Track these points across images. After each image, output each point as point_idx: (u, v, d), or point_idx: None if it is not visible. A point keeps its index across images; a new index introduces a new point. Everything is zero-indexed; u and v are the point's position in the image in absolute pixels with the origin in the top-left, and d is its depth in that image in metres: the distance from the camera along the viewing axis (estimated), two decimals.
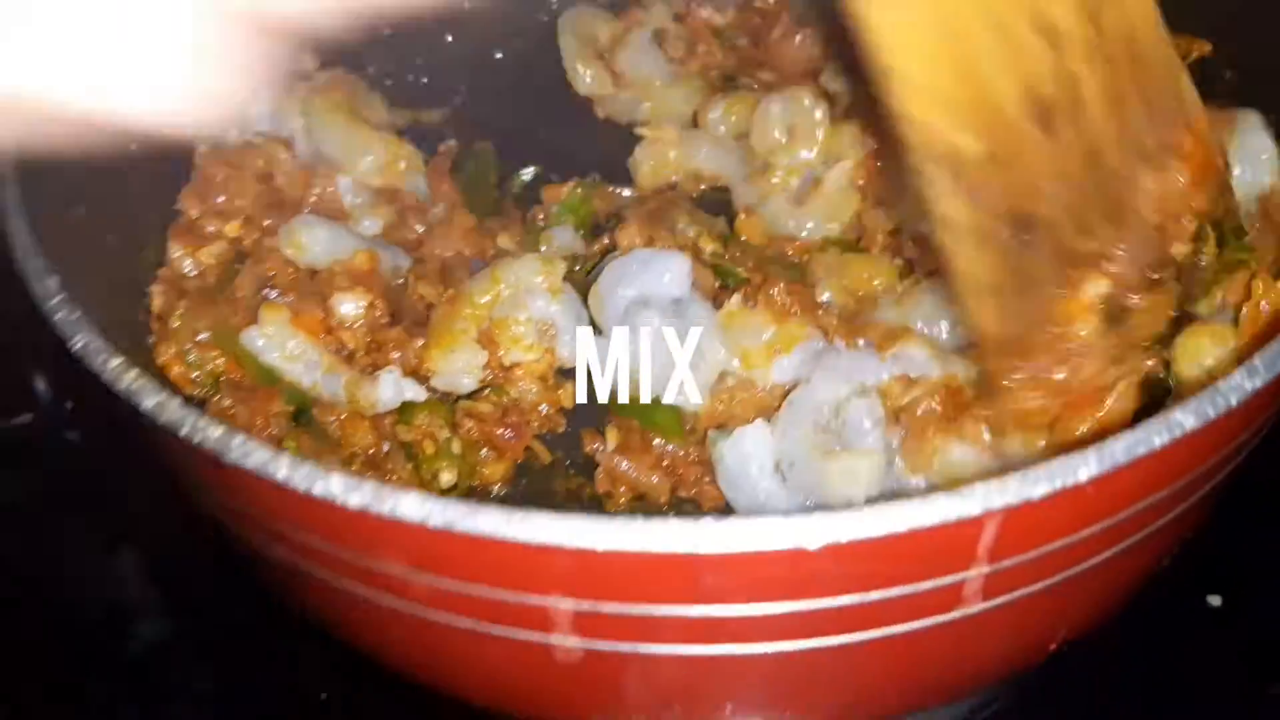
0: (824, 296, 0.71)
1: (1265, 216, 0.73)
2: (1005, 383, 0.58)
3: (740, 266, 0.73)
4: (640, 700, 0.52)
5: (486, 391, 0.71)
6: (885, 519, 0.41)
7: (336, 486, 0.43)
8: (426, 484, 0.67)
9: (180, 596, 0.81)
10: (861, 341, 0.67)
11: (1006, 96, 0.54)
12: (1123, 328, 0.61)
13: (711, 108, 0.84)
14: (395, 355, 0.70)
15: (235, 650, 0.77)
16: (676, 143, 0.83)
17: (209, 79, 0.35)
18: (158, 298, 0.72)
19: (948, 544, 0.43)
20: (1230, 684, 0.71)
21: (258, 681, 0.75)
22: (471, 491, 0.68)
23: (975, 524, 0.42)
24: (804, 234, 0.77)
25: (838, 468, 0.62)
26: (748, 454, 0.64)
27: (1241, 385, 0.43)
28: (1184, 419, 0.43)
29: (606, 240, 0.77)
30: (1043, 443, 0.60)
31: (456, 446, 0.68)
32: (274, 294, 0.72)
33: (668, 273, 0.70)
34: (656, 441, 0.67)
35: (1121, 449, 0.42)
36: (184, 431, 0.46)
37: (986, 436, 0.61)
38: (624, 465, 0.67)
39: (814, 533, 0.41)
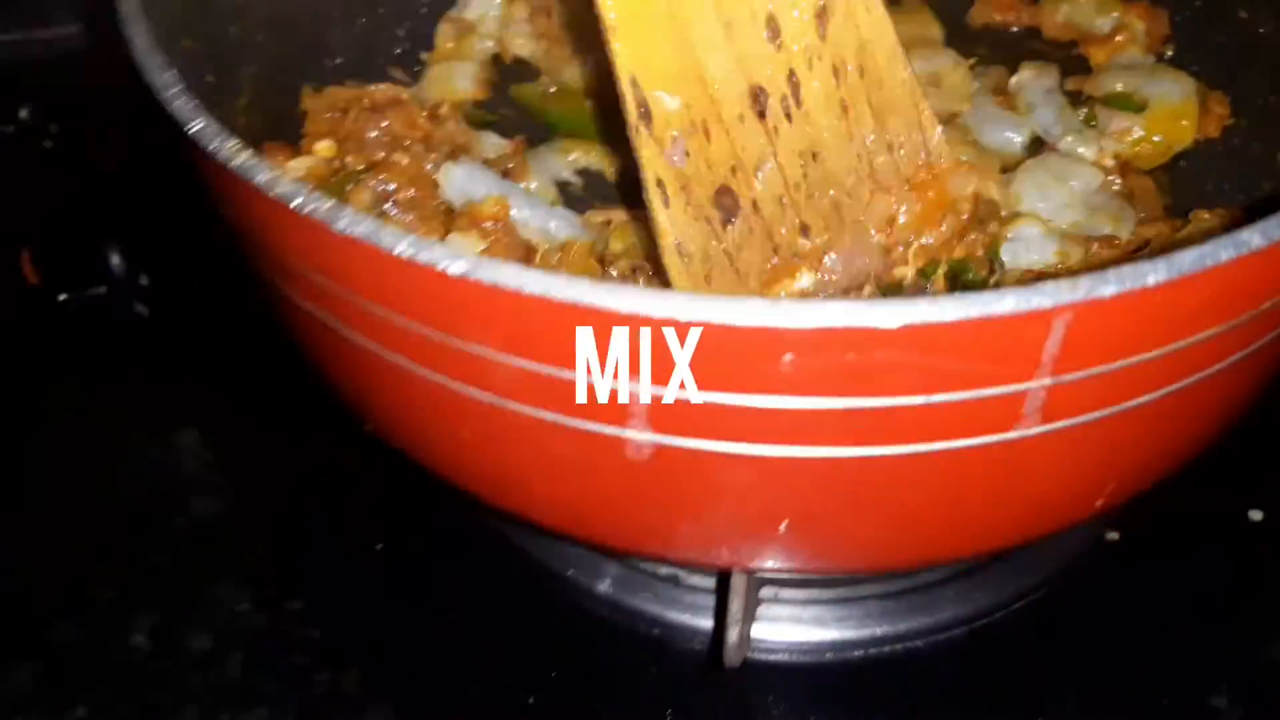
0: None
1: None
2: None
3: None
4: (701, 512, 0.55)
5: None
6: (960, 305, 0.43)
7: (440, 253, 0.46)
8: None
9: (239, 474, 0.84)
10: None
11: (719, 75, 0.62)
12: None
13: None
14: None
15: (290, 529, 0.80)
16: None
17: None
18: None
19: (1017, 340, 0.45)
20: (1270, 599, 0.73)
21: (309, 559, 0.78)
22: None
23: (1044, 319, 0.44)
24: None
25: None
26: None
27: None
28: (1250, 238, 0.44)
29: None
30: None
31: None
32: (394, 210, 0.74)
33: None
34: None
35: (1190, 259, 0.44)
36: (296, 203, 0.49)
37: None
38: None
39: (892, 314, 0.43)
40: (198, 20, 0.71)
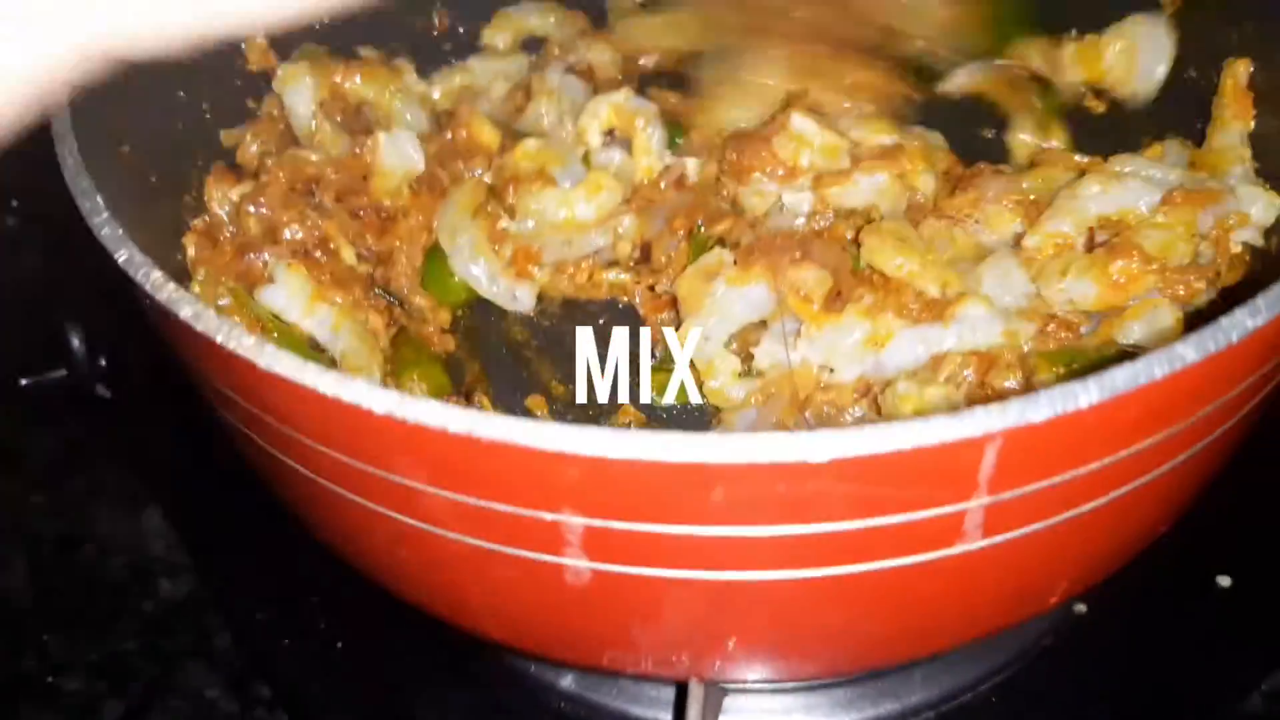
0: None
1: None
2: None
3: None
4: (644, 632, 0.54)
5: None
6: (889, 436, 0.42)
7: (362, 391, 0.45)
8: None
9: (204, 555, 0.84)
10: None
11: None
12: None
13: None
14: None
15: (255, 610, 0.79)
16: None
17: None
18: (190, 247, 0.74)
19: (949, 467, 0.44)
20: (1238, 666, 0.72)
21: (276, 640, 0.77)
22: None
23: (976, 446, 0.43)
24: None
25: None
26: None
27: (1244, 323, 0.44)
28: (1185, 352, 0.44)
29: None
30: None
31: None
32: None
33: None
34: None
35: (1123, 377, 0.43)
36: (220, 338, 0.48)
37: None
38: None
39: (820, 447, 0.42)
40: (139, 122, 0.70)
